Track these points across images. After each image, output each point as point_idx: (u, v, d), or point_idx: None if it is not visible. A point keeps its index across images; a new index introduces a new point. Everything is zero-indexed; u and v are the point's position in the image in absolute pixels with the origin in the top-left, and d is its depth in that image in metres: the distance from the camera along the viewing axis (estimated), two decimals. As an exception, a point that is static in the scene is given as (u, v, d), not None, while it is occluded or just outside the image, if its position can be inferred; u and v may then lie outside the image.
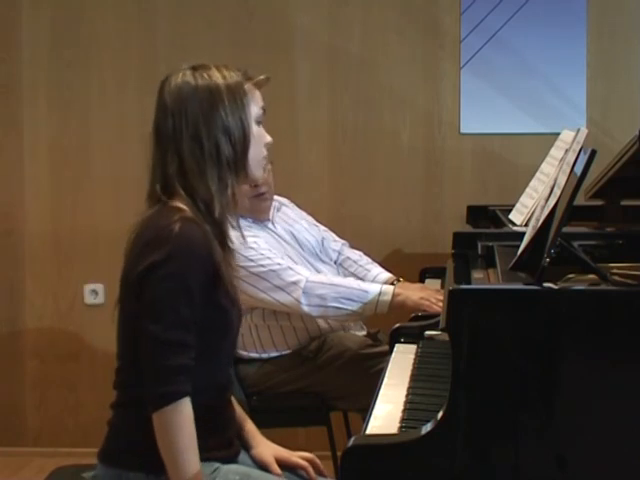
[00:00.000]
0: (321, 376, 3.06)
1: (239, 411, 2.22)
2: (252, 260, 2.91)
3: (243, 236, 2.19)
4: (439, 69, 3.98)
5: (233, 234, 2.10)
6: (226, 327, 2.07)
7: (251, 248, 2.95)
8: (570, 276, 2.07)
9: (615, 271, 2.16)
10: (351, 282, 3.02)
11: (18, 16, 4.06)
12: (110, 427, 2.10)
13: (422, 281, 3.50)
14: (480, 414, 1.79)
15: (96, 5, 4.06)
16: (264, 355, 3.11)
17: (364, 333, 3.20)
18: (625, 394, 1.79)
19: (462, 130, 3.98)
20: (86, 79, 4.08)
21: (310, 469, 2.18)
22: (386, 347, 2.74)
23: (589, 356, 1.80)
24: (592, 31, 3.91)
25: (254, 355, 3.10)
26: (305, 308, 2.94)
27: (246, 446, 2.19)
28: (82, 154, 4.10)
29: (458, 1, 3.94)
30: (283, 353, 3.10)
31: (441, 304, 2.90)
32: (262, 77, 2.12)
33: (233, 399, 2.20)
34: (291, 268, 2.97)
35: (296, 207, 3.40)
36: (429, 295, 2.98)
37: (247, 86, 2.07)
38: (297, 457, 2.19)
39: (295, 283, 2.94)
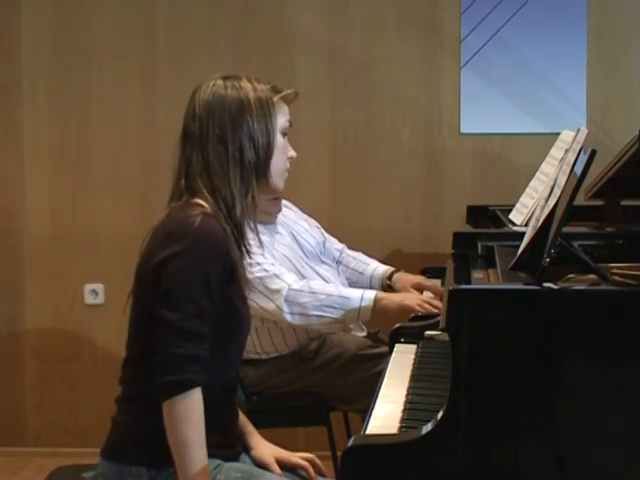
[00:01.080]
0: (320, 377, 3.06)
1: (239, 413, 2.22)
2: None
3: (260, 241, 2.21)
4: (439, 69, 3.98)
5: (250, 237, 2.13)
6: (238, 326, 2.09)
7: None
8: (570, 276, 2.07)
9: (615, 271, 2.16)
10: (332, 289, 2.97)
11: (18, 16, 4.06)
12: (114, 423, 2.11)
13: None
14: (480, 414, 1.79)
15: (96, 5, 4.06)
16: (264, 356, 3.11)
17: (364, 334, 3.20)
18: (625, 394, 1.79)
19: (462, 130, 3.98)
20: (86, 79, 4.08)
21: (310, 469, 2.18)
22: (386, 348, 2.74)
23: (589, 356, 1.80)
24: (592, 31, 3.91)
25: (254, 356, 3.10)
26: (287, 317, 2.93)
27: (246, 447, 2.19)
28: (82, 154, 4.10)
29: (458, 1, 3.94)
30: (283, 353, 3.10)
31: (427, 305, 2.89)
32: (290, 91, 2.18)
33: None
34: (277, 276, 2.95)
35: (297, 208, 3.40)
36: (413, 297, 2.96)
37: (275, 99, 2.13)
38: (297, 457, 2.20)
39: (278, 291, 2.92)
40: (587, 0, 3.90)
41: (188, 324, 1.94)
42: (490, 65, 3.94)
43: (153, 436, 1.97)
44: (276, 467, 2.15)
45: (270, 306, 2.93)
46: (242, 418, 2.23)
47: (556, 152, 3.02)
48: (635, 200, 3.20)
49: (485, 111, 3.95)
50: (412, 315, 2.88)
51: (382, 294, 2.97)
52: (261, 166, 2.09)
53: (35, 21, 4.07)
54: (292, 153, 2.21)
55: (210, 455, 1.99)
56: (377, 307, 2.92)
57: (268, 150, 2.09)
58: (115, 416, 2.11)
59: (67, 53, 4.07)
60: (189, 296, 1.95)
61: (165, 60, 4.04)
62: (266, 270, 2.94)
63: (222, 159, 2.05)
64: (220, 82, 2.11)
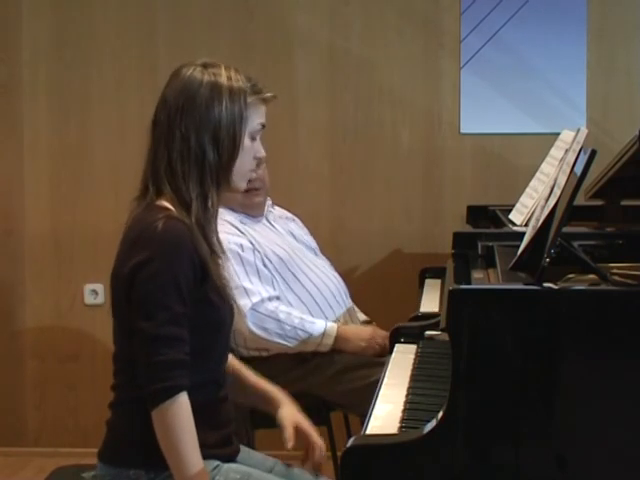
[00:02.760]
0: (319, 379, 3.04)
1: (261, 382, 2.26)
2: None
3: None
4: (439, 69, 3.98)
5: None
6: (218, 323, 2.08)
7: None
8: (570, 276, 2.07)
9: (615, 271, 2.16)
10: (297, 322, 2.98)
11: (18, 16, 4.06)
12: (109, 426, 2.11)
13: (422, 281, 3.50)
14: (480, 414, 1.79)
15: (96, 5, 4.06)
16: (264, 353, 3.10)
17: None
18: (625, 394, 1.79)
19: (462, 130, 3.98)
20: (86, 79, 4.08)
21: (317, 452, 2.19)
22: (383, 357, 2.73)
23: (589, 356, 1.80)
24: (592, 31, 3.91)
25: (254, 353, 3.10)
26: (250, 325, 2.96)
27: (272, 406, 2.21)
28: (82, 154, 4.10)
29: (458, 1, 3.94)
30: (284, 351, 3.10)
31: (377, 347, 2.96)
32: (269, 94, 2.11)
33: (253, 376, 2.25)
34: (245, 289, 2.95)
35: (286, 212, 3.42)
36: (367, 337, 3.00)
37: (252, 99, 2.06)
38: (315, 436, 2.21)
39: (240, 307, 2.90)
40: (587, 0, 3.90)
41: (163, 331, 1.93)
42: (490, 65, 3.94)
43: (149, 439, 1.97)
44: (290, 433, 2.15)
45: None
46: (264, 385, 2.26)
47: (556, 152, 3.01)
48: (635, 200, 3.20)
49: (485, 111, 3.95)
50: (412, 315, 2.89)
51: (342, 332, 3.00)
52: (222, 169, 2.04)
53: (35, 21, 4.07)
54: (261, 154, 2.12)
55: (208, 456, 2.00)
56: (335, 345, 2.99)
57: (232, 154, 2.04)
58: (109, 420, 2.11)
59: (67, 53, 4.07)
60: (161, 303, 1.94)
61: (165, 60, 4.04)
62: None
63: (184, 158, 2.01)
64: (199, 69, 2.05)
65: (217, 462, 2.05)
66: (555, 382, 1.79)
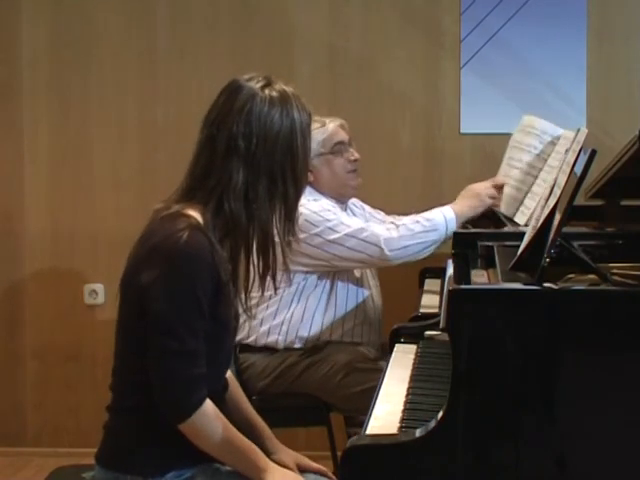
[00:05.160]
0: (315, 377, 3.03)
1: (257, 418, 2.24)
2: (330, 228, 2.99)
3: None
4: (439, 69, 3.98)
5: None
6: (224, 336, 2.07)
7: (327, 210, 3.04)
8: (570, 276, 2.07)
9: (615, 271, 2.16)
10: (416, 226, 3.04)
11: (18, 16, 4.06)
12: (106, 430, 2.11)
13: (422, 281, 3.50)
14: (480, 414, 1.79)
15: (96, 5, 4.06)
16: (280, 339, 3.08)
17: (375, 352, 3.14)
18: (625, 394, 1.79)
19: (462, 130, 3.98)
20: (86, 79, 4.08)
21: (329, 473, 2.19)
22: (382, 364, 2.72)
23: (589, 356, 1.80)
24: (592, 31, 3.91)
25: (271, 341, 3.08)
26: (388, 254, 2.97)
27: (265, 451, 2.15)
28: (82, 154, 4.10)
29: (458, 1, 3.94)
30: (295, 346, 3.08)
31: (492, 191, 3.11)
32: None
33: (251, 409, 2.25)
34: (364, 229, 2.99)
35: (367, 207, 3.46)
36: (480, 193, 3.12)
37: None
38: (316, 465, 2.21)
39: (377, 239, 2.96)
40: (587, 1, 3.90)
41: (183, 346, 1.93)
42: (490, 65, 3.94)
43: (145, 446, 1.99)
44: (297, 472, 2.15)
45: (369, 251, 2.96)
46: (261, 424, 2.23)
47: (520, 137, 3.08)
48: (635, 200, 3.20)
49: (485, 111, 3.95)
50: (412, 315, 2.89)
51: (456, 207, 3.11)
52: (293, 203, 2.08)
53: (35, 21, 4.07)
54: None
55: (212, 459, 2.01)
56: (458, 216, 3.09)
57: (302, 189, 2.09)
58: (107, 423, 2.11)
59: (67, 53, 4.07)
60: (181, 318, 1.93)
61: (165, 60, 4.04)
62: (349, 225, 3.00)
63: (269, 190, 2.02)
64: (276, 109, 2.03)
65: (217, 465, 2.05)
66: (555, 382, 1.79)
